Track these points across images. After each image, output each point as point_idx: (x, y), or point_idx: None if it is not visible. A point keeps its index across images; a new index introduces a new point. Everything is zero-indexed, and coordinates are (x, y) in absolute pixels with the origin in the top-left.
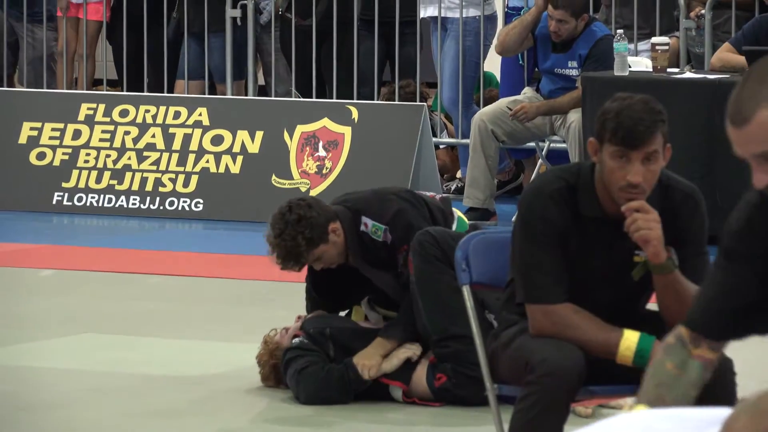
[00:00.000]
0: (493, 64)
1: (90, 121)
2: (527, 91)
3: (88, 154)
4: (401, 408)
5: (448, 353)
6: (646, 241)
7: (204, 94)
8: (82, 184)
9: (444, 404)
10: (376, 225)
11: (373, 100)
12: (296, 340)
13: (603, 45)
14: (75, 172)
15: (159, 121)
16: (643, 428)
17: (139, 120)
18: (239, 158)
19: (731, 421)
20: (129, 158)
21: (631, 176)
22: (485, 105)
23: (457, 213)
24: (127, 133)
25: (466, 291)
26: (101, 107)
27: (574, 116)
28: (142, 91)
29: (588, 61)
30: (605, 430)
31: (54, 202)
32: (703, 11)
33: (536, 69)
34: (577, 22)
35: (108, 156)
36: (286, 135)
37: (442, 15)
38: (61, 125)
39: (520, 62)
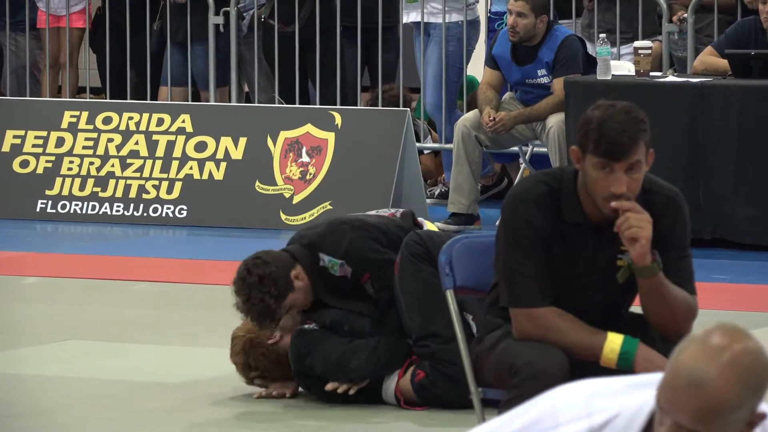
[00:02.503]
0: (476, 68)
1: (73, 128)
2: (508, 97)
3: (71, 162)
4: (386, 412)
5: (426, 353)
6: (636, 239)
7: (187, 100)
8: (65, 192)
9: (428, 408)
10: (332, 260)
11: (356, 105)
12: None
13: (567, 46)
14: (58, 180)
15: (142, 128)
16: (590, 393)
17: (122, 127)
18: (223, 165)
19: (678, 352)
20: (112, 165)
21: (615, 187)
22: (469, 110)
23: (427, 224)
24: (110, 140)
25: (449, 295)
26: (84, 115)
27: (553, 121)
28: (125, 99)
29: (557, 67)
30: (555, 395)
31: (38, 209)
32: (685, 15)
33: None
34: (536, 21)
35: (91, 163)
36: (269, 141)
37: (425, 20)
38: (44, 133)
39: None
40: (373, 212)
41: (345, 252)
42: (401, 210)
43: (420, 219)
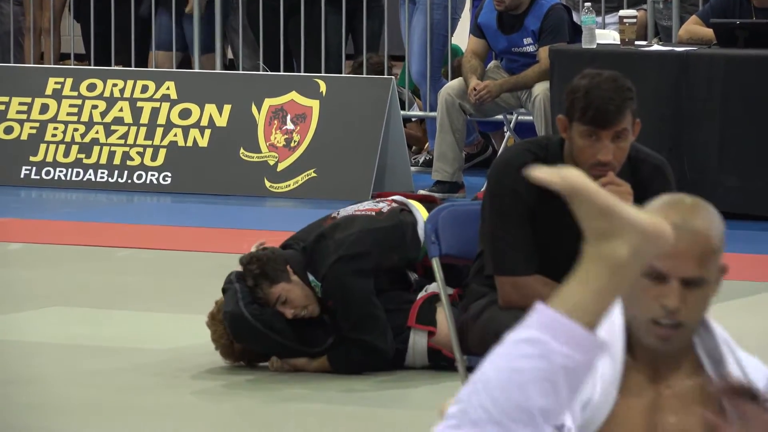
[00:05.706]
0: (462, 37)
1: (57, 95)
2: (493, 66)
3: (55, 128)
4: (368, 379)
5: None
6: None
7: (176, 66)
8: (50, 158)
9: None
10: (315, 282)
11: (340, 73)
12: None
13: (553, 16)
14: (43, 146)
15: (127, 95)
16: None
17: (106, 94)
18: (207, 132)
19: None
20: (97, 132)
21: (601, 155)
22: (454, 77)
23: (417, 207)
24: (94, 107)
25: (435, 263)
26: (69, 81)
27: (539, 89)
28: (110, 65)
29: (543, 35)
30: None
31: (22, 175)
32: None
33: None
34: None
35: (76, 130)
36: (254, 108)
37: None
38: (28, 99)
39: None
40: (356, 207)
41: (323, 277)
42: (387, 206)
43: (408, 202)
